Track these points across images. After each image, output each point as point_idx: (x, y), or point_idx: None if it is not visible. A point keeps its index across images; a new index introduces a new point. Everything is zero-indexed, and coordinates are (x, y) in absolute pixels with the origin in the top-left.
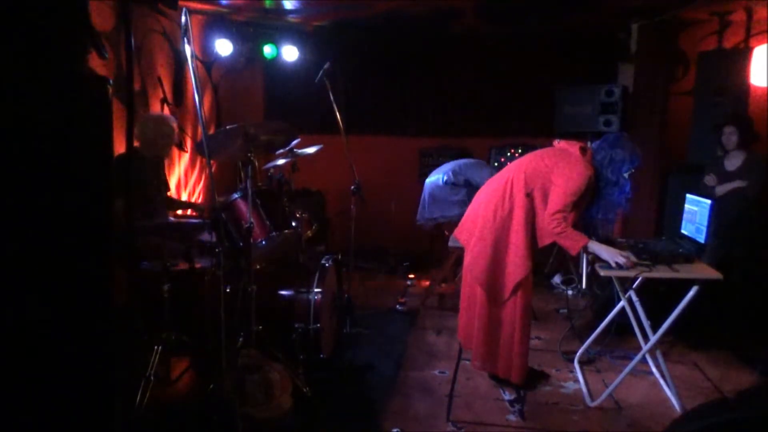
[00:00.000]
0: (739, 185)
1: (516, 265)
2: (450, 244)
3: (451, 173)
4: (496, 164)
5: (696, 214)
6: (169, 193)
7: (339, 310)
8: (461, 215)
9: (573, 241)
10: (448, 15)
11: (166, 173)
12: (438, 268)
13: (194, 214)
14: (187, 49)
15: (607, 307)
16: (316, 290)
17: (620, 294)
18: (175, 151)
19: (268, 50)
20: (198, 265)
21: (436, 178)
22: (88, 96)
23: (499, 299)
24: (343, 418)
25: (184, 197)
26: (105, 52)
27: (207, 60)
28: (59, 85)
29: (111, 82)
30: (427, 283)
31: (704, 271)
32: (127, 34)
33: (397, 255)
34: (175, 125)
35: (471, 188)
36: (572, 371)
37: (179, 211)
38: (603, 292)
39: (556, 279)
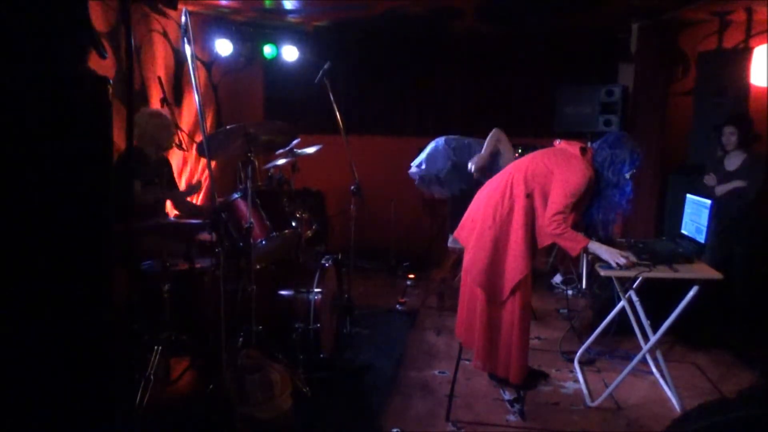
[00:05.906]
0: (739, 185)
1: (515, 265)
2: (450, 244)
3: (446, 145)
4: None
5: (696, 214)
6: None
7: (339, 310)
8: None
9: (573, 243)
10: (448, 15)
11: (174, 174)
12: (438, 268)
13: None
14: (187, 49)
15: (607, 307)
16: (316, 290)
17: (620, 294)
18: (175, 150)
19: (268, 50)
20: (198, 265)
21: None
22: (88, 96)
23: (498, 299)
24: (343, 418)
25: None
26: (105, 52)
27: (207, 60)
28: (59, 85)
29: (111, 82)
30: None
31: (704, 271)
32: (127, 34)
33: (397, 255)
34: (169, 118)
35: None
36: (572, 371)
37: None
38: (603, 292)
39: (556, 279)
